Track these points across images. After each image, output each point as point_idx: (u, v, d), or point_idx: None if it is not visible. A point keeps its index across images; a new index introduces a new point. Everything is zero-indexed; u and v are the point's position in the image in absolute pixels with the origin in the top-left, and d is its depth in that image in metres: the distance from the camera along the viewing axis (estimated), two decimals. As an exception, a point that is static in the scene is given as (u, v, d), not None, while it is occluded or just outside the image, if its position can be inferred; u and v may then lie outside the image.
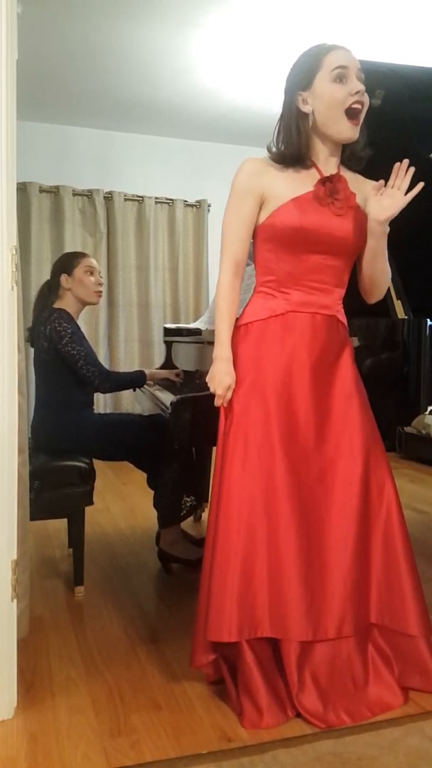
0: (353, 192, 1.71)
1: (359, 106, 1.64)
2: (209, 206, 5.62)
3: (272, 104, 4.71)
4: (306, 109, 1.66)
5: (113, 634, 2.09)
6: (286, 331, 1.70)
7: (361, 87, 1.62)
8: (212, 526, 1.67)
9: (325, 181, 1.68)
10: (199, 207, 5.62)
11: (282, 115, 1.71)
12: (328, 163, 1.72)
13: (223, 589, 1.58)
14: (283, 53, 3.77)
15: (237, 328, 1.74)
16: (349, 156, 1.75)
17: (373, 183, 1.71)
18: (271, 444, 1.64)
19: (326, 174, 1.69)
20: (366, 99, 1.65)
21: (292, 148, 1.68)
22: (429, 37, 3.64)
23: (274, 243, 1.70)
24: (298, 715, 1.60)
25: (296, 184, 1.68)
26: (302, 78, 1.66)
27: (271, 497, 1.62)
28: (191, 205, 5.61)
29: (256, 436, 1.65)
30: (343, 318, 1.77)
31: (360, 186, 1.74)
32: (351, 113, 1.63)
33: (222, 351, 1.70)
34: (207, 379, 1.72)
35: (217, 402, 1.70)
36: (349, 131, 1.65)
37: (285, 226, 1.66)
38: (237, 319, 1.75)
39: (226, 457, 1.66)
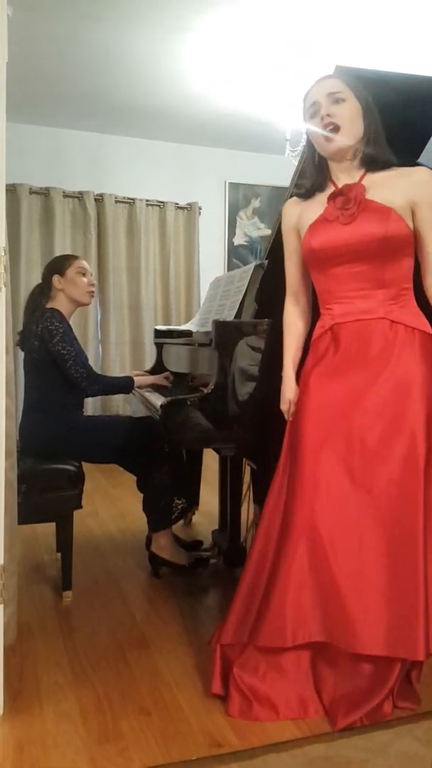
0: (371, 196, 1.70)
1: (328, 123, 1.71)
2: (200, 209, 5.61)
3: (262, 109, 4.72)
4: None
5: (102, 639, 2.08)
6: (333, 343, 1.77)
7: (324, 111, 1.70)
8: (263, 537, 1.75)
9: (336, 195, 1.73)
10: (190, 210, 5.61)
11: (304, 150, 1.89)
12: (348, 177, 1.76)
13: (289, 595, 1.59)
14: (273, 59, 3.78)
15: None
16: (366, 161, 1.74)
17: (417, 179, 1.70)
18: (343, 455, 1.66)
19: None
20: (337, 118, 1.70)
21: (310, 177, 1.83)
22: (414, 44, 3.67)
23: (309, 267, 1.85)
24: (318, 701, 1.63)
25: (316, 209, 1.79)
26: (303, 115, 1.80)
27: (369, 507, 1.62)
28: (182, 208, 5.61)
29: (321, 449, 1.67)
30: (399, 317, 1.71)
31: (390, 180, 1.71)
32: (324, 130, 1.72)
33: (284, 369, 1.90)
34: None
35: (286, 416, 1.86)
36: (321, 146, 1.74)
37: (306, 252, 1.81)
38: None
39: (296, 470, 1.71)
